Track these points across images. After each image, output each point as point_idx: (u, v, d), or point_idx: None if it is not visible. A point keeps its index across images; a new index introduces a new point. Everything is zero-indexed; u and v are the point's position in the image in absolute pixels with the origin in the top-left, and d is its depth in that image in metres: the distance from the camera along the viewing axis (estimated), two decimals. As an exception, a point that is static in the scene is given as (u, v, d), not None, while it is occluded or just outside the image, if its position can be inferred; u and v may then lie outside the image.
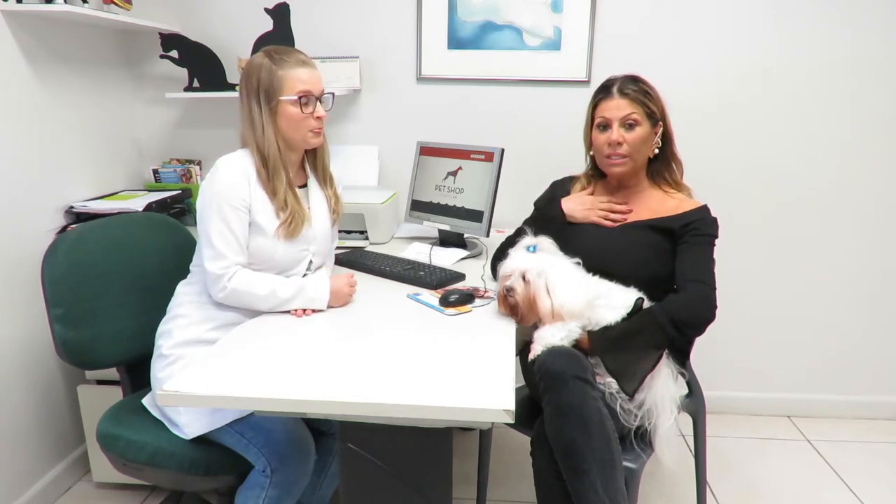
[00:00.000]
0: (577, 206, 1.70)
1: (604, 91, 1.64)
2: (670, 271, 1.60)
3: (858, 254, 2.49)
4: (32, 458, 2.01)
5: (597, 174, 1.75)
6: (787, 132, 2.41)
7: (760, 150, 2.43)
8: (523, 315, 1.48)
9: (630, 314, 1.50)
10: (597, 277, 1.56)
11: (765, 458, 2.35)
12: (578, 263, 1.56)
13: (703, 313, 1.52)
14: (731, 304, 2.51)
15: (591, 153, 1.70)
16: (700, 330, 1.55)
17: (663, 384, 1.49)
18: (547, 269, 1.47)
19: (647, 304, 1.54)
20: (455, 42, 2.41)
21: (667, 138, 1.66)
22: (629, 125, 1.59)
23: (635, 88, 1.60)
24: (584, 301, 1.47)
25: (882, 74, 2.33)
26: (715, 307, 1.53)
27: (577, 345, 1.49)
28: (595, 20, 2.35)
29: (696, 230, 1.59)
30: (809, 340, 2.58)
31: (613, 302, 1.52)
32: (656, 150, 1.65)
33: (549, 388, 1.39)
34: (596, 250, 1.60)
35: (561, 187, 1.81)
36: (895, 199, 2.44)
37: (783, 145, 2.42)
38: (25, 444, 1.98)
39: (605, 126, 1.62)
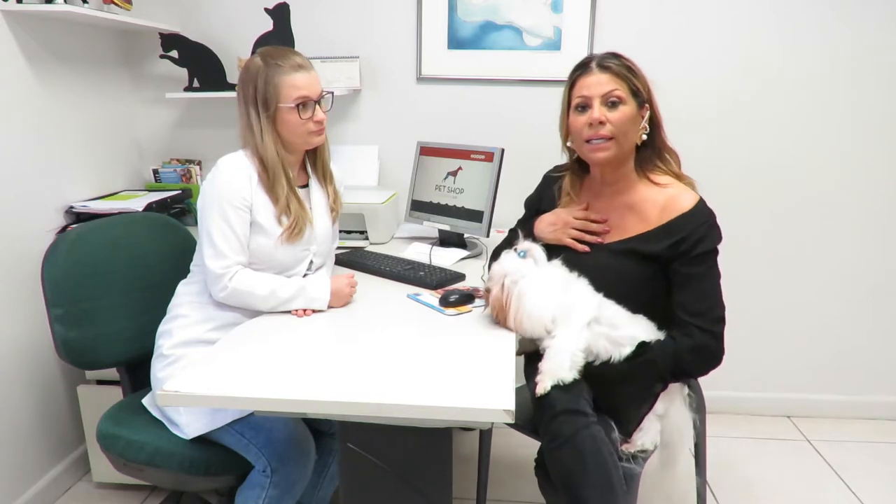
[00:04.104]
0: (548, 227, 1.57)
1: (581, 67, 1.46)
2: (660, 296, 1.46)
3: (859, 254, 2.49)
4: (32, 458, 2.01)
5: (580, 169, 1.59)
6: (789, 133, 2.41)
7: (761, 150, 2.42)
8: (498, 318, 1.43)
9: (631, 355, 1.40)
10: (600, 296, 1.43)
11: (765, 458, 2.34)
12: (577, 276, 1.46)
13: (709, 366, 1.43)
14: (731, 304, 2.50)
15: (569, 143, 1.53)
16: (704, 374, 1.47)
17: (677, 412, 1.45)
18: (524, 276, 1.40)
19: (654, 335, 1.44)
20: (455, 42, 2.41)
21: (655, 123, 1.48)
22: (612, 103, 1.41)
23: (617, 63, 1.43)
24: (550, 316, 1.38)
25: (884, 74, 2.33)
26: (722, 353, 1.42)
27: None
28: (595, 20, 2.35)
29: (688, 253, 1.40)
30: (809, 340, 2.58)
31: (617, 335, 1.40)
32: (644, 137, 1.47)
33: (541, 418, 1.35)
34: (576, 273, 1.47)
35: (549, 187, 1.68)
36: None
37: (785, 146, 2.42)
38: (25, 444, 1.98)
39: (585, 106, 1.43)
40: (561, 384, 1.33)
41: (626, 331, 1.41)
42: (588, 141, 1.45)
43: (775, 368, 2.62)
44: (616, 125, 1.41)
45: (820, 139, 2.40)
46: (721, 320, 1.42)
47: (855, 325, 2.55)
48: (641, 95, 1.44)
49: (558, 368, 1.34)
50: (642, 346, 1.40)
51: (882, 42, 2.30)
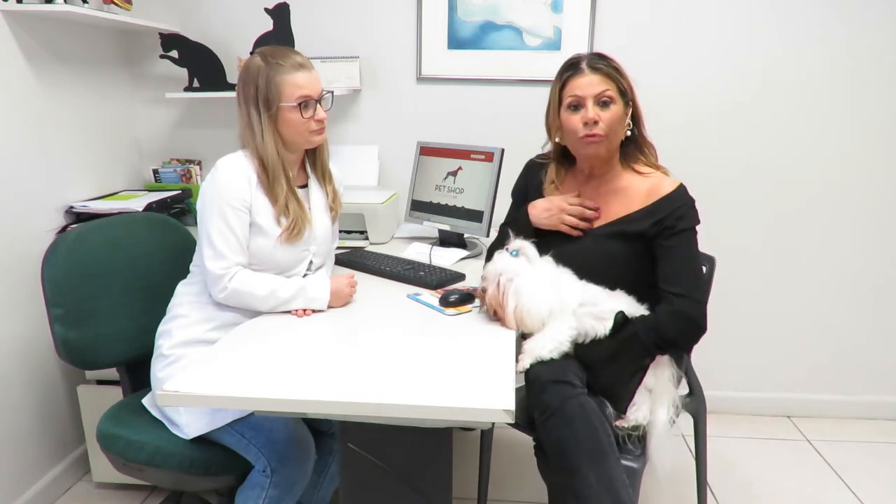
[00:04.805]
0: (543, 213, 1.61)
1: (572, 68, 1.52)
2: (645, 274, 1.50)
3: (859, 254, 2.49)
4: (32, 458, 2.01)
5: (565, 161, 1.65)
6: (789, 133, 2.40)
7: (761, 150, 2.42)
8: (496, 316, 1.47)
9: (613, 330, 1.44)
10: (582, 282, 1.49)
11: (765, 458, 2.34)
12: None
13: (691, 333, 1.46)
14: (731, 303, 2.52)
15: (557, 139, 1.59)
16: (690, 347, 1.49)
17: (663, 387, 1.46)
18: (518, 274, 1.43)
19: (635, 308, 1.49)
20: (455, 42, 2.41)
21: (637, 120, 1.56)
22: (604, 103, 1.48)
23: (605, 64, 1.50)
24: (548, 311, 1.42)
25: (884, 74, 2.33)
26: (703, 320, 1.45)
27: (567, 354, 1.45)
28: (595, 20, 2.35)
29: (671, 228, 1.47)
30: (809, 340, 2.58)
31: (598, 310, 1.46)
32: (628, 133, 1.55)
33: (530, 393, 1.39)
34: (564, 259, 1.52)
35: (535, 174, 1.72)
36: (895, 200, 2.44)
37: (785, 146, 2.42)
38: (25, 444, 1.98)
39: (578, 106, 1.50)
40: (541, 361, 1.40)
41: (606, 305, 1.47)
42: (582, 138, 1.51)
43: (775, 368, 2.62)
44: (608, 124, 1.49)
45: (820, 139, 2.40)
46: (702, 290, 1.48)
47: (855, 325, 2.55)
48: (627, 95, 1.52)
49: (539, 349, 1.41)
50: (620, 316, 1.44)
51: (882, 42, 2.31)
